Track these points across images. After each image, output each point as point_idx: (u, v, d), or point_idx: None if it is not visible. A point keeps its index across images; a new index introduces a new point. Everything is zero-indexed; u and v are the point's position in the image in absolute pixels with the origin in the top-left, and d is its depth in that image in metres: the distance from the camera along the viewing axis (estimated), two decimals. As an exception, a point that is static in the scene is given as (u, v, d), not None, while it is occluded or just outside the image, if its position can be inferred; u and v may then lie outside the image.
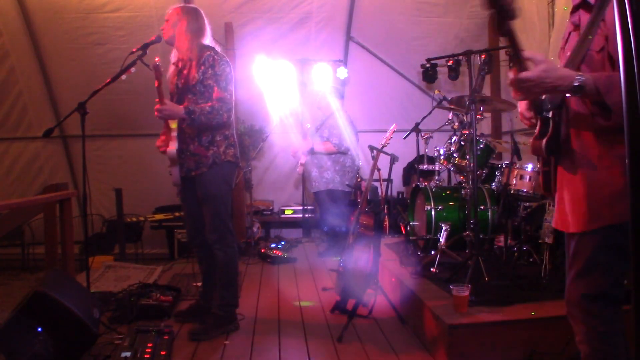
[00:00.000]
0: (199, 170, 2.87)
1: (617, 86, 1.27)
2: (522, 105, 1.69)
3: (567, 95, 1.48)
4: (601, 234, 1.44)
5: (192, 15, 2.88)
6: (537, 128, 1.59)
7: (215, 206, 2.89)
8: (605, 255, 1.45)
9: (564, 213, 1.57)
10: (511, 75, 1.43)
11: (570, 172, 1.54)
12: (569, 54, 1.53)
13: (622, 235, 1.37)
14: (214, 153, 2.86)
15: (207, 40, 2.95)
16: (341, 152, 4.84)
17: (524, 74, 1.40)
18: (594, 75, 1.39)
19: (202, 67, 2.82)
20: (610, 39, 1.40)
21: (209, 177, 2.87)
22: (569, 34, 1.62)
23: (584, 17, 1.51)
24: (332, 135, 4.83)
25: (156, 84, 2.68)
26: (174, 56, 2.99)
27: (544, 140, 1.54)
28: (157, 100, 2.72)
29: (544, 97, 1.53)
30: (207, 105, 2.78)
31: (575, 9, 1.57)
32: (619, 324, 1.49)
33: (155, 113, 2.76)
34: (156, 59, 2.67)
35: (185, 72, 2.91)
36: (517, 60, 1.41)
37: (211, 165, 2.86)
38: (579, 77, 1.37)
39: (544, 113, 1.55)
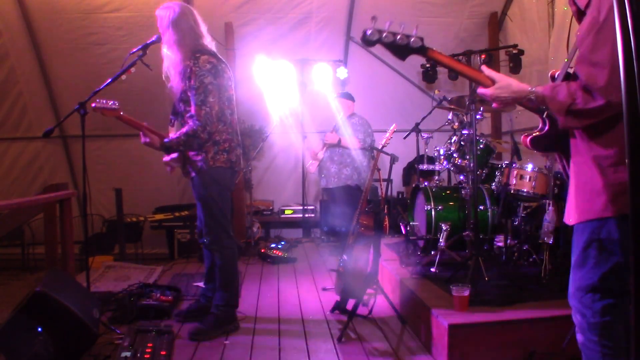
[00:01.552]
0: (190, 174, 2.94)
1: (558, 95, 1.48)
2: None
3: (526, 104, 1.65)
4: (589, 228, 1.52)
5: (174, 22, 2.79)
6: (539, 125, 1.69)
7: (208, 208, 2.92)
8: (593, 249, 1.52)
9: (568, 205, 1.65)
10: (477, 91, 1.67)
11: (571, 168, 1.63)
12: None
13: (605, 231, 1.47)
14: (202, 158, 2.88)
15: (207, 38, 2.90)
16: (364, 148, 4.87)
17: (480, 91, 1.64)
18: (545, 86, 1.56)
19: (183, 78, 2.81)
20: (578, 48, 1.53)
21: (200, 180, 2.90)
22: None
23: (583, 27, 1.59)
24: (357, 132, 4.86)
25: (120, 119, 2.78)
26: None
27: (530, 137, 1.69)
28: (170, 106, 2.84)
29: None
30: (182, 134, 2.77)
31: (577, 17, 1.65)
32: (613, 316, 1.52)
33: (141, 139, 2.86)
34: (94, 102, 2.75)
35: (177, 78, 2.91)
36: (478, 82, 1.64)
37: (200, 170, 2.88)
38: (531, 90, 1.55)
39: (542, 113, 1.65)
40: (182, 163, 2.95)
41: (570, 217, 1.60)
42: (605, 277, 1.50)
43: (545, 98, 1.52)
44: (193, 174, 2.91)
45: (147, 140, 2.82)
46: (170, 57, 2.85)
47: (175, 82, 2.88)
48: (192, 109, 2.78)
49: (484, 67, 1.65)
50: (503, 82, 1.60)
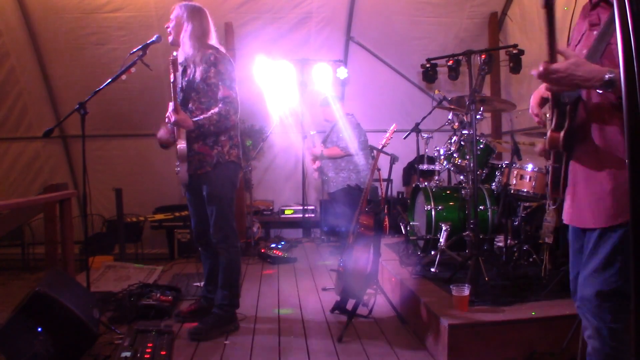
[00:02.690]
0: (203, 169, 2.88)
1: None
2: (533, 99, 1.68)
3: (598, 90, 1.47)
4: (619, 231, 1.45)
5: (197, 17, 2.88)
6: (554, 120, 1.58)
7: (219, 206, 2.90)
8: (621, 253, 1.45)
9: (579, 208, 1.57)
10: (541, 66, 1.44)
11: (591, 167, 1.53)
12: (585, 51, 1.53)
13: None
14: (218, 152, 2.87)
15: (213, 40, 2.95)
16: (348, 155, 4.86)
17: (554, 66, 1.41)
18: None
19: (204, 66, 2.82)
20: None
21: (214, 176, 2.87)
22: (582, 34, 1.63)
23: (603, 15, 1.52)
24: (340, 140, 4.87)
25: (171, 78, 2.71)
26: (179, 55, 2.99)
27: (562, 133, 1.53)
28: (171, 99, 2.73)
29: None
30: (215, 114, 2.78)
31: (593, 7, 1.58)
32: (626, 321, 1.49)
33: (167, 119, 2.77)
34: (174, 53, 2.72)
35: (189, 71, 2.92)
36: (550, 49, 1.42)
37: (215, 165, 2.86)
38: (610, 72, 1.38)
39: (563, 106, 1.54)
40: (186, 161, 2.90)
41: (596, 220, 1.51)
42: (628, 281, 1.47)
43: None
44: (207, 169, 2.87)
45: (180, 117, 2.72)
46: (190, 49, 2.87)
47: (186, 75, 2.90)
48: (223, 92, 2.81)
49: (560, 46, 1.46)
50: (579, 59, 1.42)
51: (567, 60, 1.41)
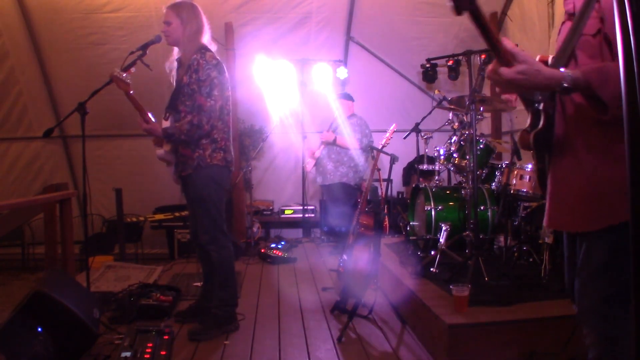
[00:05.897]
0: (185, 171, 2.91)
1: (611, 78, 1.21)
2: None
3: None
4: (616, 232, 1.34)
5: (189, 15, 2.87)
6: (529, 120, 1.50)
7: (204, 207, 2.91)
8: (621, 254, 1.35)
9: (563, 212, 1.48)
10: (490, 67, 1.32)
11: (572, 169, 1.44)
12: (559, 44, 1.44)
13: None
14: (199, 156, 2.87)
15: (206, 37, 2.94)
16: (361, 148, 4.89)
17: (500, 71, 1.30)
18: (584, 69, 1.30)
19: (189, 71, 2.83)
20: (606, 19, 1.30)
21: (196, 178, 2.89)
22: (562, 24, 1.52)
23: (578, 3, 1.41)
24: (355, 132, 4.89)
25: (127, 97, 2.78)
26: (177, 53, 3.00)
27: (532, 134, 1.45)
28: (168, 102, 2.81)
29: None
30: (186, 123, 2.78)
31: None
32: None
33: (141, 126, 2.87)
34: (115, 70, 2.76)
35: (180, 72, 2.92)
36: (495, 52, 1.29)
37: (196, 167, 2.87)
38: (567, 77, 1.28)
39: (535, 105, 1.46)
40: (174, 162, 2.93)
41: (583, 223, 1.41)
42: (628, 283, 1.40)
43: (591, 84, 1.26)
44: (189, 172, 2.89)
45: (149, 127, 2.84)
46: (182, 48, 2.89)
47: (179, 75, 2.91)
48: (199, 100, 2.80)
49: (504, 39, 1.30)
50: (529, 67, 1.29)
51: (516, 67, 1.29)
